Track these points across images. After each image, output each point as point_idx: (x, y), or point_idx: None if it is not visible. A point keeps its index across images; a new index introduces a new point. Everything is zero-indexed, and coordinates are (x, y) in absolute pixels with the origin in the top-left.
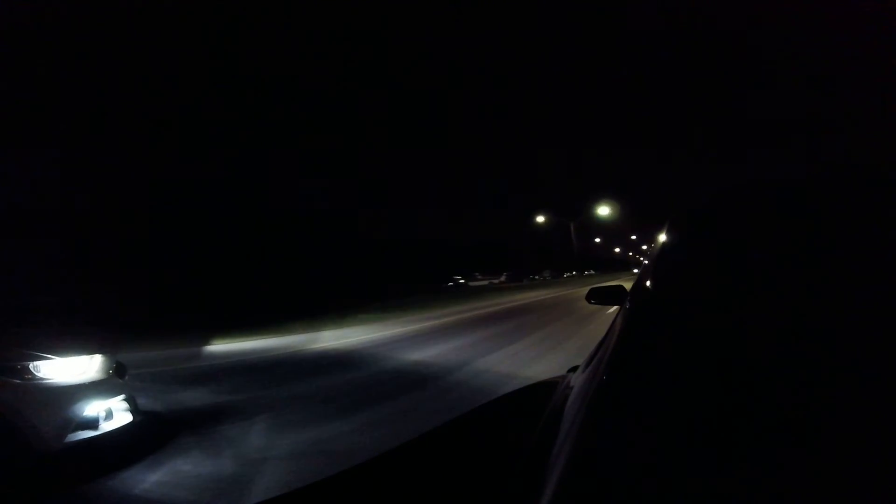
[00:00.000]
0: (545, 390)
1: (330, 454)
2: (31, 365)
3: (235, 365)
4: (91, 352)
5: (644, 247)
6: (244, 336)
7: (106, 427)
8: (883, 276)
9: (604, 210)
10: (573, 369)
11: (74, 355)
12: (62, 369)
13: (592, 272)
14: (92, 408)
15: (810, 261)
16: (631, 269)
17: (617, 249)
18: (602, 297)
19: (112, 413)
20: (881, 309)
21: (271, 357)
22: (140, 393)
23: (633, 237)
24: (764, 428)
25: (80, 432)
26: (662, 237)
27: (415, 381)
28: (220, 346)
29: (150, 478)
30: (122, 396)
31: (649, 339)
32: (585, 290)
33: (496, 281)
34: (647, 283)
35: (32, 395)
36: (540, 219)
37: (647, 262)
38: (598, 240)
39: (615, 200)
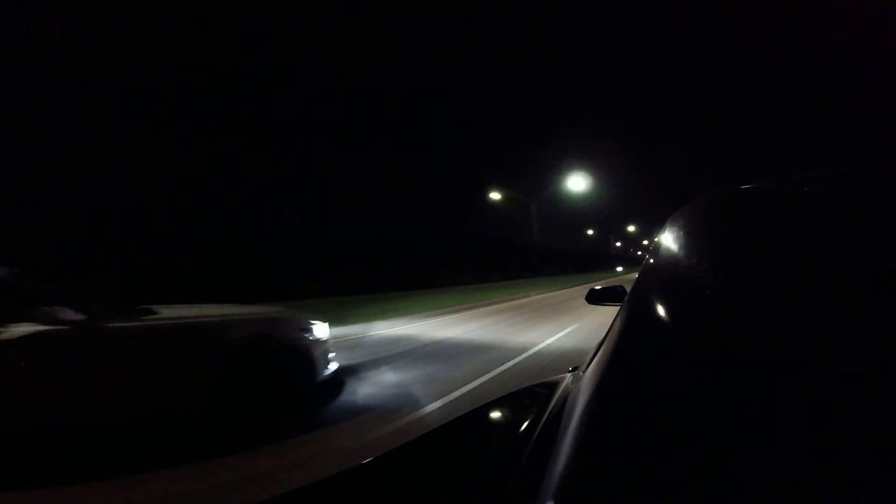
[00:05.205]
0: (545, 390)
1: (434, 374)
2: (312, 325)
3: (354, 342)
4: (322, 319)
5: (645, 242)
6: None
7: (331, 368)
8: (880, 277)
9: (576, 184)
10: (573, 369)
11: (319, 321)
12: (321, 329)
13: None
14: (330, 356)
15: (811, 262)
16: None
17: (618, 244)
18: (601, 297)
19: (331, 360)
20: (878, 309)
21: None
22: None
23: (631, 228)
24: (764, 428)
25: (325, 371)
26: (662, 235)
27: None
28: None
29: (359, 389)
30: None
31: (650, 339)
32: None
33: None
34: (648, 283)
35: (314, 344)
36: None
37: (648, 259)
38: (590, 232)
39: (608, 187)
